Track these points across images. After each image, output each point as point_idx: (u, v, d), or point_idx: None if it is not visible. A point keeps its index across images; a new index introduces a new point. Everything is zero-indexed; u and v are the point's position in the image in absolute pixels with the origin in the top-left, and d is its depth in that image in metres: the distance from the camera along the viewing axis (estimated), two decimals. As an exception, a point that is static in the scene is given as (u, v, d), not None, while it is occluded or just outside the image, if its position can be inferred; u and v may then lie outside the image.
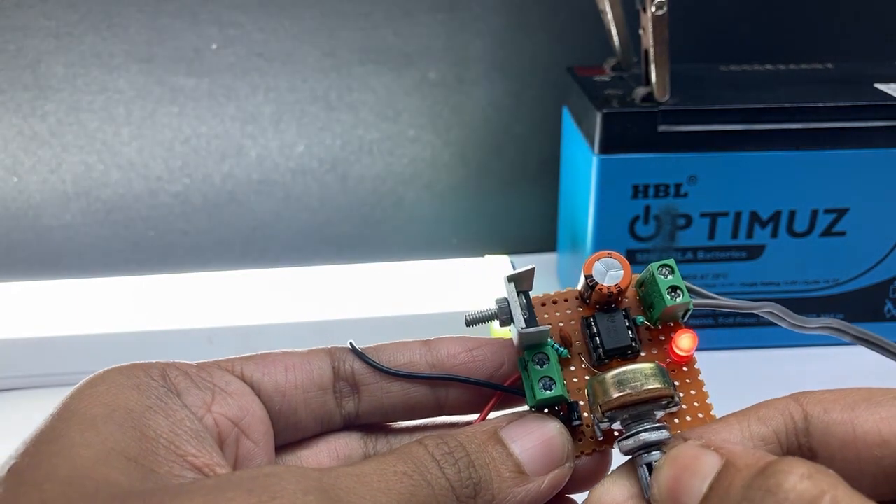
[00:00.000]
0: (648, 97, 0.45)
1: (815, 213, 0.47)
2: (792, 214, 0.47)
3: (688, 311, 0.24)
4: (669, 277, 0.24)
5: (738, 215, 0.47)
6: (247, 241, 0.61)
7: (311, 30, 0.54)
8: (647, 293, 0.24)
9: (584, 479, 0.24)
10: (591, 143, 0.46)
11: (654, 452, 0.21)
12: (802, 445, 0.21)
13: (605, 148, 0.45)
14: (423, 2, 0.54)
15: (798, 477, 0.17)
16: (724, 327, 0.50)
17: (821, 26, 0.57)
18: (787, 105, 0.44)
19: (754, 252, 0.48)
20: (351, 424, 0.25)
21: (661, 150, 0.45)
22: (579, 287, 0.25)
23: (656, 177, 0.45)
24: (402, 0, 0.54)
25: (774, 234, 0.47)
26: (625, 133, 0.44)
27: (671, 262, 0.24)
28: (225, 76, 0.55)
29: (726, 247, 0.48)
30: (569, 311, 0.25)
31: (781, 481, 0.17)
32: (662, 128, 0.44)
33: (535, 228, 0.63)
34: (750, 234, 0.47)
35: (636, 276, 0.25)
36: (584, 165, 0.48)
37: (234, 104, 0.56)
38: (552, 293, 0.25)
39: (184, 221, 0.59)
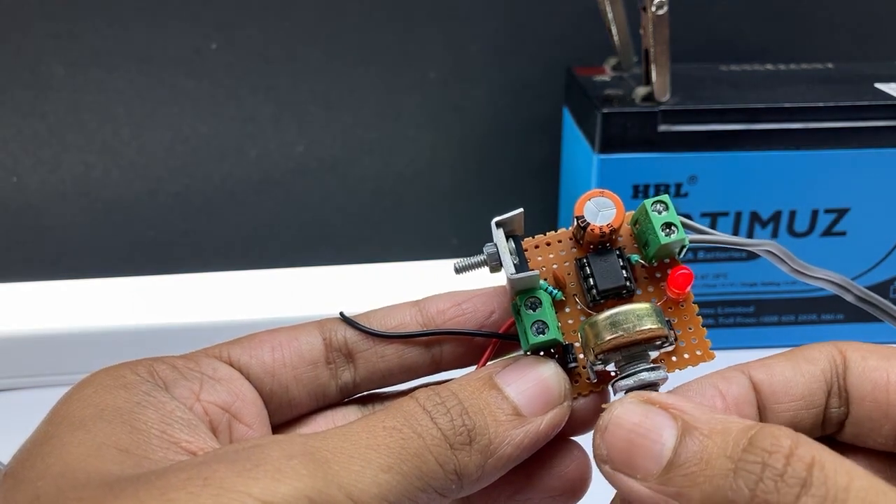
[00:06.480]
0: (648, 97, 0.45)
1: (815, 213, 0.47)
2: (792, 214, 0.47)
3: (684, 247, 0.23)
4: (664, 214, 0.23)
5: (738, 215, 0.47)
6: (247, 241, 0.61)
7: (311, 30, 0.54)
8: (641, 231, 0.24)
9: (583, 421, 0.24)
10: (592, 143, 0.46)
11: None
12: (841, 387, 0.22)
13: (606, 148, 0.45)
14: (424, 2, 0.54)
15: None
16: (725, 327, 0.50)
17: (821, 26, 0.57)
18: (787, 105, 0.44)
19: (754, 252, 0.47)
20: (350, 396, 0.25)
21: (661, 150, 0.45)
22: (572, 227, 0.24)
23: (656, 177, 0.45)
24: (402, 0, 0.54)
25: (775, 234, 0.47)
26: (625, 133, 0.44)
27: (665, 197, 0.23)
28: (225, 76, 0.55)
29: (726, 247, 0.47)
30: (562, 253, 0.24)
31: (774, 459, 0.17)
32: (662, 128, 0.44)
33: (535, 228, 0.62)
34: (750, 234, 0.47)
35: (630, 214, 0.24)
36: (584, 165, 0.48)
37: (234, 104, 0.56)
38: (545, 235, 0.25)
39: (184, 221, 0.59)
